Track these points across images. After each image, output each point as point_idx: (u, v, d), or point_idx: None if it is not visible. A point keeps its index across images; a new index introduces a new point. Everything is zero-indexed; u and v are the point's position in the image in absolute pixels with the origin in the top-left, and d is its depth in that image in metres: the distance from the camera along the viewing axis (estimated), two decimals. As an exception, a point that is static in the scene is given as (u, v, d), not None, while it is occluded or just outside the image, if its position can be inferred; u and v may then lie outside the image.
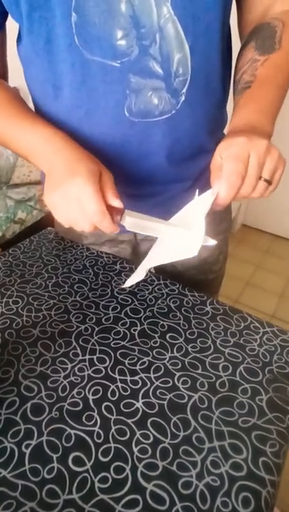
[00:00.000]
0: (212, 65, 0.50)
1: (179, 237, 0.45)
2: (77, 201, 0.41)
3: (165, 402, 0.42)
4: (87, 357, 0.47)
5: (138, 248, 0.72)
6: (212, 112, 0.55)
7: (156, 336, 0.51)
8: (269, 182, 0.42)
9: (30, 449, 0.36)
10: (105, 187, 0.43)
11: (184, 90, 0.49)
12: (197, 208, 0.46)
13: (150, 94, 0.48)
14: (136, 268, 0.64)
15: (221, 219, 0.73)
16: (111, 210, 0.43)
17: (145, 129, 0.51)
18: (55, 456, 0.36)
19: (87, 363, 0.46)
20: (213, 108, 0.55)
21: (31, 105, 0.57)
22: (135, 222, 0.45)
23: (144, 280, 0.62)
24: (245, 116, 0.46)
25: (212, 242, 0.43)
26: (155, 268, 0.83)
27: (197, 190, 0.48)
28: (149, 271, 0.67)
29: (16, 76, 0.62)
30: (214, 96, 0.54)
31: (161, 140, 0.52)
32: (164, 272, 0.79)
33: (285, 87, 0.50)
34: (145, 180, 0.59)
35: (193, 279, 0.77)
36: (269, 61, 0.48)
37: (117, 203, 0.43)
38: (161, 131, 0.51)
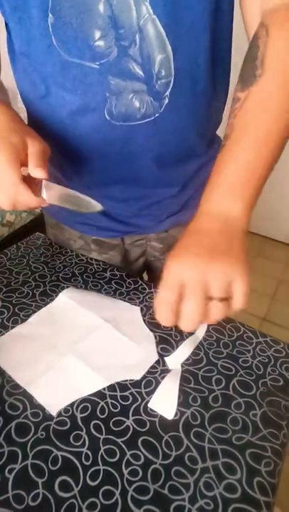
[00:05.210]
0: (198, 67, 0.47)
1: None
2: None
3: (156, 420, 0.40)
4: (75, 371, 0.45)
5: (128, 255, 0.70)
6: (200, 114, 0.53)
7: (147, 347, 0.49)
8: (225, 298, 0.32)
9: (14, 473, 0.34)
10: (29, 157, 0.42)
11: (168, 93, 0.47)
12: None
13: (131, 96, 0.46)
14: (127, 276, 0.63)
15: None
16: (34, 182, 0.42)
17: (127, 133, 0.49)
18: (40, 481, 0.34)
19: (75, 378, 0.44)
20: (201, 110, 0.52)
21: (19, 104, 0.56)
22: (57, 194, 0.43)
23: (134, 288, 0.60)
24: (215, 200, 0.38)
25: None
26: (147, 272, 0.82)
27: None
28: (141, 278, 0.65)
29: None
30: (203, 98, 0.51)
31: (145, 143, 0.51)
32: (156, 279, 0.77)
33: (278, 120, 0.39)
34: (131, 182, 0.57)
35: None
36: (249, 99, 0.40)
37: (37, 172, 0.42)
38: (144, 134, 0.50)
